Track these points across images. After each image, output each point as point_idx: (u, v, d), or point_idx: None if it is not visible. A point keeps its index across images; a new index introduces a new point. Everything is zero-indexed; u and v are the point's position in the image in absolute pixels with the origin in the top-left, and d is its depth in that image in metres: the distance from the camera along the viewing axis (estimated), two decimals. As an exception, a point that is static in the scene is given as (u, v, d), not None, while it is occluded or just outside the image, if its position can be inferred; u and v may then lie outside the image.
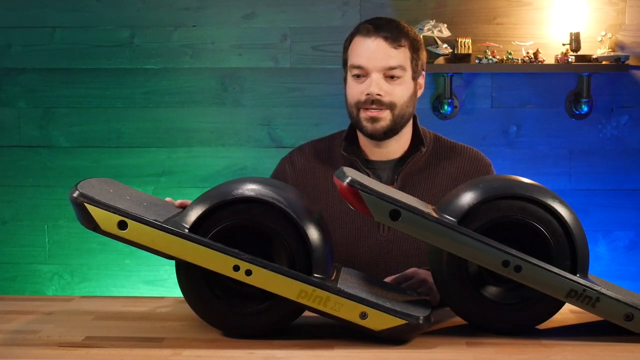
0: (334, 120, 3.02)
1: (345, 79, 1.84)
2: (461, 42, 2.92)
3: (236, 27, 3.06)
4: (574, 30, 2.92)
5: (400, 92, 1.77)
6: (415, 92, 1.82)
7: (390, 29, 1.76)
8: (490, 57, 2.93)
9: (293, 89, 3.07)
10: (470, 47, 2.93)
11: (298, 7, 3.03)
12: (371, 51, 1.75)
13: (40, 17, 3.08)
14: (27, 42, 3.09)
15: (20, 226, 3.16)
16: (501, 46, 2.98)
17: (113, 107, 3.10)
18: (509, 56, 2.94)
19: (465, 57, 2.93)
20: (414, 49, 1.79)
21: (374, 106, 1.76)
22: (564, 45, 2.94)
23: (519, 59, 2.94)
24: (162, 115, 3.09)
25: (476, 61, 2.94)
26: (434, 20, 2.92)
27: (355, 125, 1.83)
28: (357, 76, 1.78)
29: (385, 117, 1.77)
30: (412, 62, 1.79)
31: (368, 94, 1.75)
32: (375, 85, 1.75)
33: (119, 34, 3.07)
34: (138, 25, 3.07)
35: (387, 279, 1.67)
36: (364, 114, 1.78)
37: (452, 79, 2.98)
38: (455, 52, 2.93)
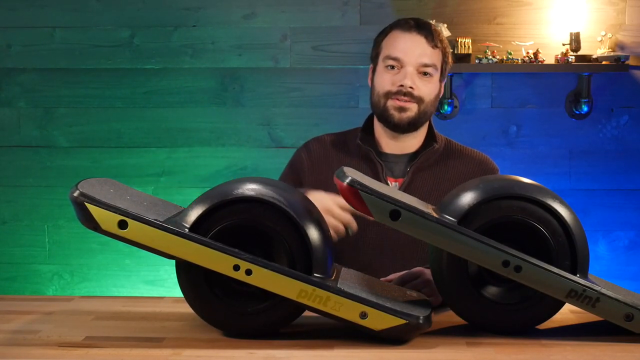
0: (334, 120, 3.02)
1: (373, 71, 1.91)
2: (461, 42, 2.92)
3: (236, 27, 3.06)
4: (574, 30, 2.92)
5: (429, 89, 1.85)
6: (439, 93, 1.90)
7: (429, 30, 1.86)
8: (490, 57, 2.93)
9: (293, 89, 3.07)
10: (470, 47, 2.93)
11: (298, 7, 3.03)
12: (410, 46, 1.84)
13: (40, 17, 3.08)
14: (27, 42, 3.09)
15: (20, 226, 3.16)
16: (501, 46, 2.98)
17: (113, 107, 3.10)
18: (509, 56, 2.94)
19: (465, 57, 2.93)
20: (445, 54, 1.89)
21: (405, 97, 1.83)
22: (564, 45, 2.94)
23: (519, 59, 2.94)
24: (162, 115, 3.10)
25: (476, 61, 2.94)
26: (434, 20, 2.91)
27: (379, 115, 1.88)
28: (392, 67, 1.84)
29: (412, 108, 1.84)
30: (442, 65, 1.88)
31: (401, 85, 1.82)
32: (410, 78, 1.82)
33: (119, 34, 3.07)
34: (138, 25, 3.07)
35: (392, 276, 1.69)
36: (392, 103, 1.84)
37: (452, 79, 2.98)
38: (455, 52, 2.93)
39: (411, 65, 1.82)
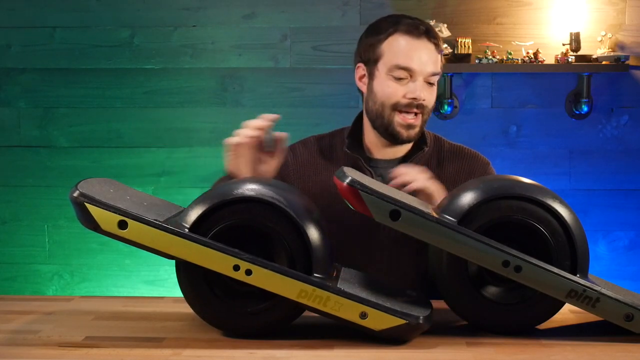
0: (334, 120, 3.00)
1: (370, 75, 1.77)
2: (461, 42, 2.92)
3: (236, 27, 3.06)
4: (574, 30, 2.92)
5: (433, 97, 1.77)
6: None
7: (435, 34, 1.74)
8: (490, 57, 2.93)
9: (293, 89, 3.07)
10: (470, 47, 2.93)
11: (298, 7, 3.03)
12: (422, 55, 1.71)
13: (40, 17, 3.08)
14: (27, 42, 3.09)
15: (20, 226, 3.16)
16: (501, 46, 2.98)
17: (113, 107, 3.10)
18: (509, 56, 2.94)
19: (465, 57, 2.93)
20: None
21: (415, 110, 1.73)
22: (564, 45, 2.94)
23: (519, 59, 2.94)
24: (162, 115, 3.10)
25: (476, 61, 2.94)
26: (434, 20, 2.92)
27: (382, 127, 1.77)
28: (400, 77, 1.72)
29: (418, 123, 1.76)
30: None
31: (414, 98, 1.71)
32: (421, 89, 1.72)
33: (119, 34, 3.07)
34: (138, 25, 3.07)
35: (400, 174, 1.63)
36: (399, 119, 1.74)
37: (452, 79, 2.98)
38: (455, 52, 2.93)
39: (422, 76, 1.71)
